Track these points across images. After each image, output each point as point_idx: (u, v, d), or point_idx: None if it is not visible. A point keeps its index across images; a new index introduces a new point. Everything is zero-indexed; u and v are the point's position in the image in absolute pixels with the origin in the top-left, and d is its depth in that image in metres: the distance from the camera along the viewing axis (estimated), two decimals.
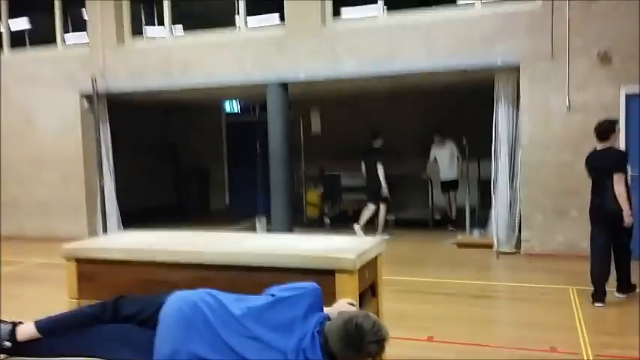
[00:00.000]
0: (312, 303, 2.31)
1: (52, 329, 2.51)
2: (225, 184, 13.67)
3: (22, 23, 11.41)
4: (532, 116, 7.91)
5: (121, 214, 10.33)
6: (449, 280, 6.80)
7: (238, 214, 11.67)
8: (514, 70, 8.04)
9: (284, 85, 8.91)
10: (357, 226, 9.44)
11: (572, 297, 5.89)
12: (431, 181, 10.88)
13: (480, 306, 5.81)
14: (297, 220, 11.31)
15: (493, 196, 8.47)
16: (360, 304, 2.58)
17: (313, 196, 11.46)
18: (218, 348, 2.27)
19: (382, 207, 9.53)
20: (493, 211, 8.48)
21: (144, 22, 10.43)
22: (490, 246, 8.33)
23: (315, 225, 11.05)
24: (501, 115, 8.34)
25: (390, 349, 4.29)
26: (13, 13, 11.15)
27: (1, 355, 2.55)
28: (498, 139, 8.38)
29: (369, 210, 9.56)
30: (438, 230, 10.14)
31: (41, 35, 10.89)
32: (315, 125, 12.32)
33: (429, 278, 6.89)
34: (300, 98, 11.38)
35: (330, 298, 2.43)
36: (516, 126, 8.23)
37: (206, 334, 2.29)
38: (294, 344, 2.20)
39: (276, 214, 8.93)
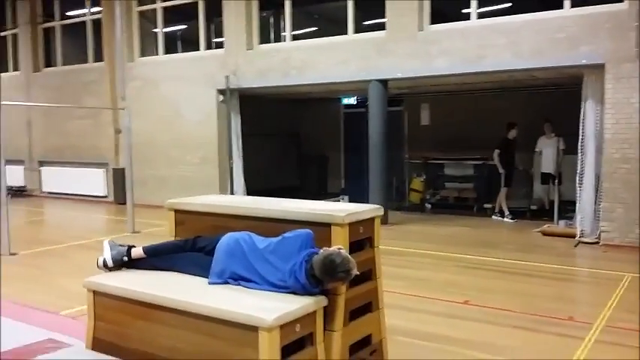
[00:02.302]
0: (304, 241, 3.46)
1: (153, 252, 3.93)
2: (341, 169, 15.00)
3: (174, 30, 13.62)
4: (616, 113, 8.23)
5: (248, 192, 12.03)
6: (514, 260, 7.46)
7: (350, 197, 12.89)
8: (601, 69, 8.36)
9: (384, 83, 9.97)
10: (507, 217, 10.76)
11: (623, 282, 6.36)
12: (532, 173, 11.32)
13: (529, 282, 6.49)
14: (401, 205, 12.35)
15: (578, 188, 8.87)
16: (356, 251, 3.65)
17: (417, 183, 12.37)
18: (249, 269, 3.52)
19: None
20: (578, 203, 8.88)
21: (272, 29, 12.01)
22: (573, 236, 8.77)
23: (416, 210, 11.97)
24: (589, 111, 8.69)
25: (426, 306, 5.34)
26: (168, 22, 13.36)
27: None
28: (586, 135, 8.75)
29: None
30: (534, 220, 10.54)
31: (188, 40, 12.96)
32: (424, 117, 13.18)
33: (496, 258, 7.60)
34: (410, 92, 12.36)
35: (327, 243, 3.55)
36: (602, 122, 8.54)
37: (242, 260, 3.55)
38: (289, 267, 3.38)
39: (373, 197, 10.03)
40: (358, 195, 12.38)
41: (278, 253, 3.47)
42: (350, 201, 11.02)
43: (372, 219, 3.88)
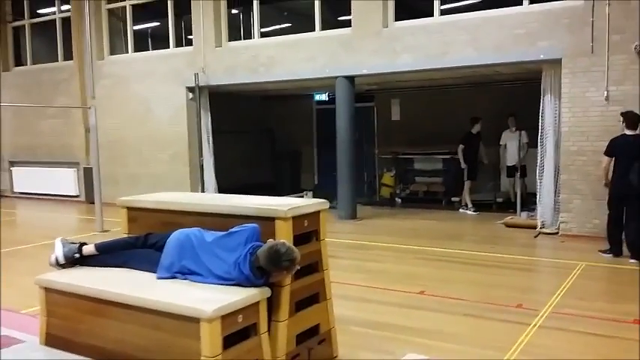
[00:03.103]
0: (250, 235, 3.58)
1: (104, 249, 4.02)
2: (314, 165, 15.11)
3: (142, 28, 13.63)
4: (572, 107, 8.45)
5: (221, 189, 12.05)
6: (474, 252, 7.64)
7: (322, 193, 13.01)
8: (559, 64, 8.58)
9: (350, 79, 10.11)
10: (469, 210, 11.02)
11: (576, 270, 6.57)
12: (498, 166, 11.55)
13: (486, 273, 6.68)
14: (372, 200, 12.51)
15: (539, 181, 9.10)
16: (301, 244, 3.77)
17: (387, 177, 12.54)
18: (197, 262, 3.64)
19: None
20: (538, 195, 9.11)
21: (242, 26, 12.08)
22: (535, 227, 9.00)
23: (387, 204, 12.13)
24: (547, 105, 8.93)
25: (383, 297, 5.47)
26: (139, 20, 13.35)
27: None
28: (545, 129, 8.97)
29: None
30: (500, 212, 10.72)
31: (161, 37, 12.97)
32: (395, 113, 13.34)
33: (457, 250, 7.78)
34: (380, 88, 12.50)
35: (272, 237, 3.67)
36: (560, 116, 8.76)
37: (191, 254, 3.66)
38: (234, 259, 3.50)
39: (342, 192, 10.17)
40: (331, 190, 12.54)
41: (224, 246, 3.59)
42: (318, 197, 11.10)
43: (318, 212, 4.01)
